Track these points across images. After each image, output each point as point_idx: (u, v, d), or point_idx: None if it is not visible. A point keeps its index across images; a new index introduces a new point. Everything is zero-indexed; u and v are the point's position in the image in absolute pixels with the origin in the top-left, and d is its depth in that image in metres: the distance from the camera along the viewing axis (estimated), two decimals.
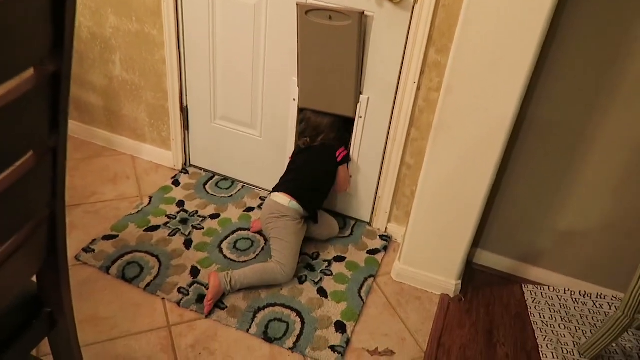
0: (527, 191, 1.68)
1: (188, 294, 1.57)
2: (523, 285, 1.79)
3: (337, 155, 1.81)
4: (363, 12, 1.56)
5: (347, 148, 1.84)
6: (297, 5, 1.62)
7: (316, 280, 1.68)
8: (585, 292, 1.76)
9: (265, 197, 2.05)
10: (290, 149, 1.93)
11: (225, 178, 2.15)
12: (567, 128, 1.54)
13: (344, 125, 1.83)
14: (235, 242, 1.80)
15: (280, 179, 1.81)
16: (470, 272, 1.82)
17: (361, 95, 1.73)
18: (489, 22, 1.27)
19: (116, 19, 1.97)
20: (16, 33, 0.58)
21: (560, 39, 1.43)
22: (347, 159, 1.84)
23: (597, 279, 1.75)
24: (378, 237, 1.93)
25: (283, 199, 1.68)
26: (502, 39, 1.28)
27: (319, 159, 1.81)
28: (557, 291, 1.77)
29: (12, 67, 0.59)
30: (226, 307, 1.54)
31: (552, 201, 1.67)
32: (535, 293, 1.76)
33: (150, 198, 1.98)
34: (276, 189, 1.75)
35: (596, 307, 1.71)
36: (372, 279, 1.73)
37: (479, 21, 1.28)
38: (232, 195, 2.05)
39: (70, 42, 0.67)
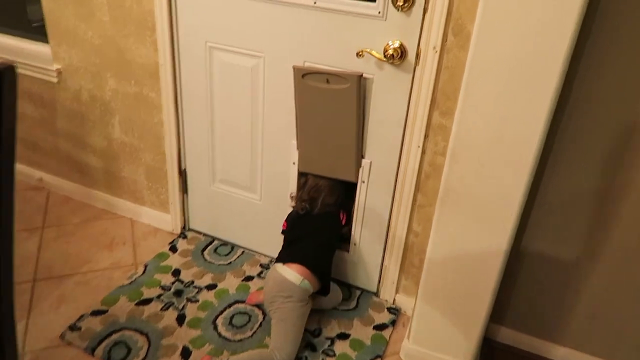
0: (547, 260, 1.54)
1: None
2: None
3: (341, 219, 1.72)
4: (361, 75, 1.48)
5: (347, 211, 1.75)
6: (293, 68, 1.56)
7: None
8: None
9: (266, 264, 1.94)
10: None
11: (225, 243, 2.05)
12: (587, 192, 1.41)
13: (344, 190, 1.73)
14: (232, 317, 1.68)
15: (286, 247, 1.68)
16: (489, 351, 1.66)
17: (363, 160, 1.63)
18: (494, 86, 1.17)
19: (115, 82, 1.94)
20: None
21: (574, 105, 1.32)
22: (349, 222, 1.76)
23: (630, 359, 1.56)
24: (386, 309, 1.78)
25: (294, 277, 1.53)
26: (510, 106, 1.17)
27: (325, 225, 1.70)
28: None
29: None
30: None
31: (576, 271, 1.52)
32: None
33: (146, 266, 1.88)
34: (284, 259, 1.60)
35: None
36: (379, 359, 1.58)
37: (483, 86, 1.18)
38: (230, 263, 1.94)
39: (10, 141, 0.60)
